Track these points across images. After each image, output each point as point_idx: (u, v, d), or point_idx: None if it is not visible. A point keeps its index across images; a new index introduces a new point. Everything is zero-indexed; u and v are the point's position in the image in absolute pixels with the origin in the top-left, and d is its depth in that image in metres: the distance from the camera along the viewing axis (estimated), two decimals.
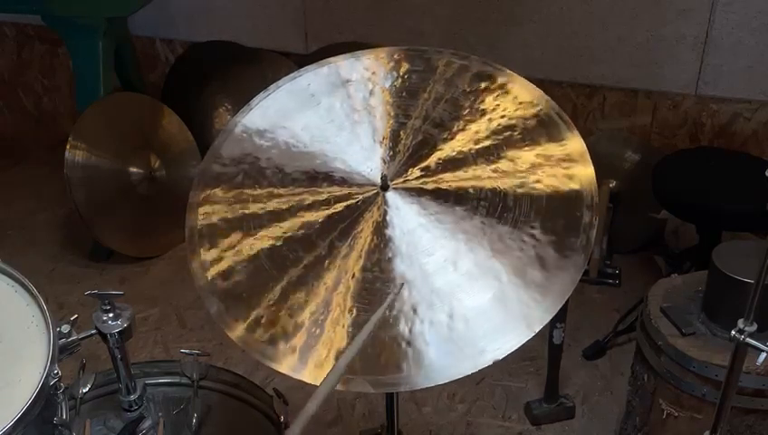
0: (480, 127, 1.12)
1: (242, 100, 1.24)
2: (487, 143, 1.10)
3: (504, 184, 1.06)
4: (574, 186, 1.05)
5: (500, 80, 1.17)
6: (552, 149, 1.09)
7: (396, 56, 1.23)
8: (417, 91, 1.18)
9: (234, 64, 2.86)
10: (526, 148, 1.09)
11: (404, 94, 1.18)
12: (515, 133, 1.11)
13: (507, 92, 1.15)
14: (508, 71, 1.18)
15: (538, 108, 1.13)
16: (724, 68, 2.44)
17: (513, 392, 2.10)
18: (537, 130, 1.11)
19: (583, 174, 1.06)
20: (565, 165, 1.07)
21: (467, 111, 1.15)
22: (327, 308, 0.99)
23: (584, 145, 1.09)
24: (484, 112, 1.14)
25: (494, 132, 1.11)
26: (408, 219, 1.05)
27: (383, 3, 2.70)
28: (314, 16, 2.83)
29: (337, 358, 0.95)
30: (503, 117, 1.13)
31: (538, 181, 1.06)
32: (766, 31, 2.35)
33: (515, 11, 2.56)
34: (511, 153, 1.09)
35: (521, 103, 1.14)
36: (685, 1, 2.38)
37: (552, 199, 1.04)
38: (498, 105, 1.14)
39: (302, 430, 0.76)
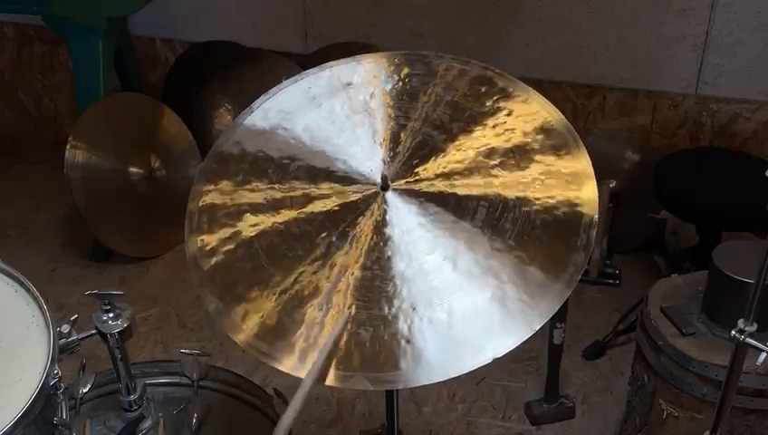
0: (480, 130, 1.12)
1: (242, 100, 1.24)
2: (487, 145, 1.10)
3: (504, 185, 1.06)
4: (574, 186, 1.05)
5: (500, 84, 1.17)
6: (552, 150, 1.09)
7: (396, 60, 1.23)
8: (417, 95, 1.18)
9: (234, 64, 2.86)
10: (526, 149, 1.09)
11: (404, 97, 1.18)
12: (515, 136, 1.11)
13: (507, 96, 1.16)
14: (507, 75, 1.18)
15: (537, 110, 1.13)
16: (724, 68, 2.44)
17: (513, 392, 2.10)
18: (536, 132, 1.11)
19: (584, 175, 1.06)
20: (565, 166, 1.07)
21: (467, 114, 1.15)
22: (327, 306, 0.99)
23: (584, 147, 1.09)
24: (483, 116, 1.14)
25: (494, 135, 1.11)
26: (407, 219, 1.05)
27: (383, 3, 2.70)
28: (314, 16, 2.83)
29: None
30: (502, 120, 1.13)
31: (538, 182, 1.06)
32: (766, 31, 2.35)
33: (515, 11, 2.56)
34: (510, 155, 1.09)
35: (520, 106, 1.14)
36: (685, 1, 2.38)
37: (551, 200, 1.04)
38: (498, 108, 1.14)
39: None
